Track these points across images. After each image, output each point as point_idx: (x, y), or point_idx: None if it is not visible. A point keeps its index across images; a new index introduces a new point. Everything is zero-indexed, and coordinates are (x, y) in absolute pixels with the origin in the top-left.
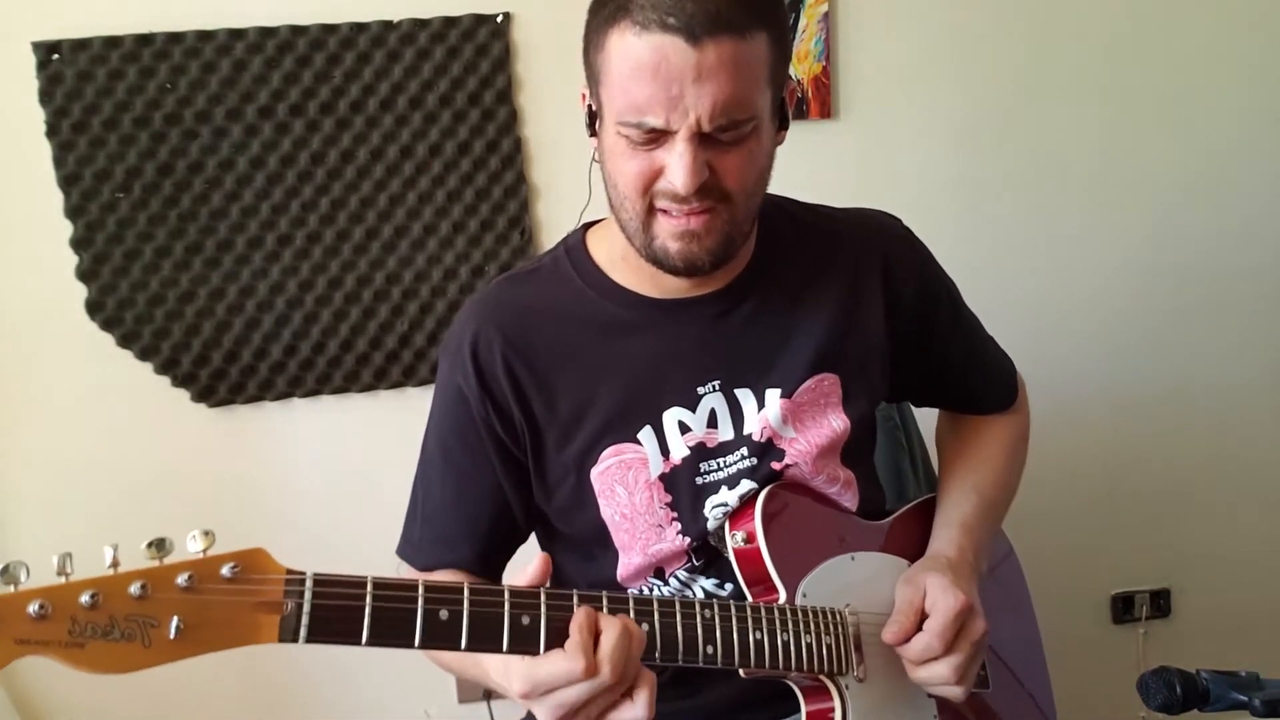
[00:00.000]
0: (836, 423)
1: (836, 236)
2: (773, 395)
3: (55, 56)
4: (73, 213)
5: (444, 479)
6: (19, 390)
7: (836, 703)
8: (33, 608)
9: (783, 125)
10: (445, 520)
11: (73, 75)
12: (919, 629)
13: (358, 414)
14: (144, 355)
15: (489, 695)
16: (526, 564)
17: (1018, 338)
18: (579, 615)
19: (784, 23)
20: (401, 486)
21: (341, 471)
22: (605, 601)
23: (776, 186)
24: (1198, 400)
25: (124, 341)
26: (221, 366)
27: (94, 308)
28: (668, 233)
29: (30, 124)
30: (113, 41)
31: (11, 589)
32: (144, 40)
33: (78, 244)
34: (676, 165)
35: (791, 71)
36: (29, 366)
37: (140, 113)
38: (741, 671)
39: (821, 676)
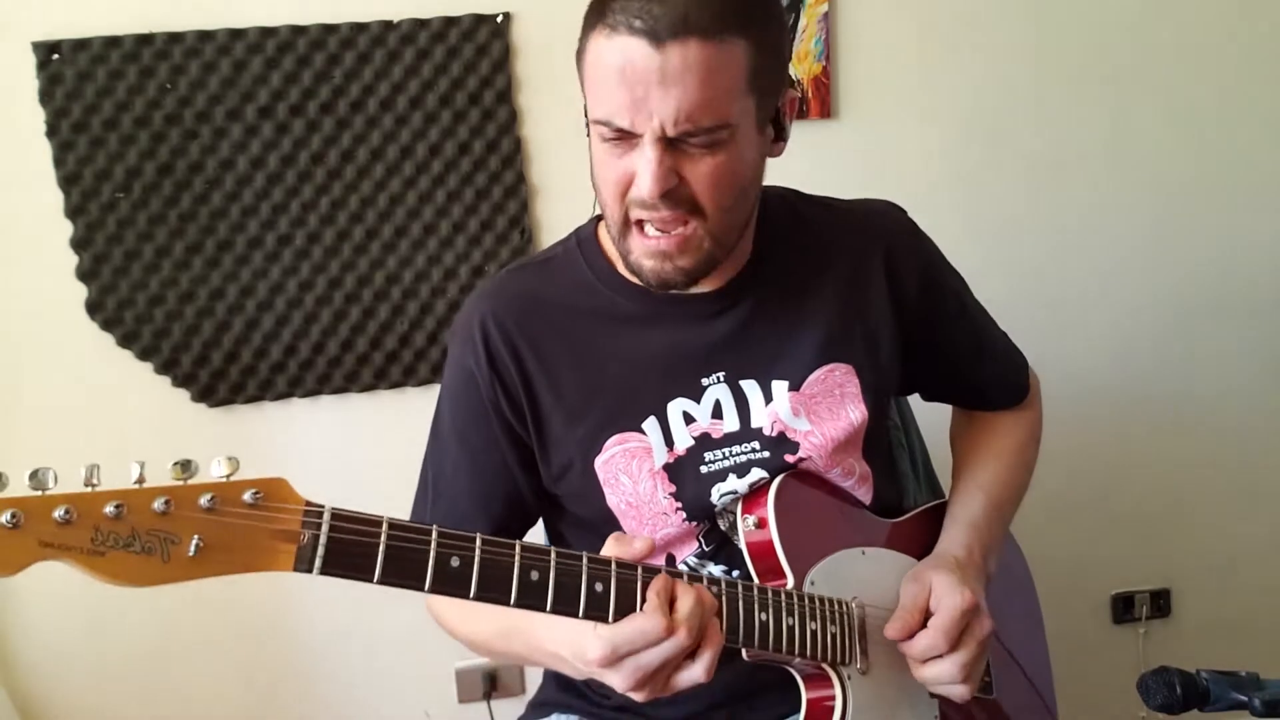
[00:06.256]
0: (854, 414)
1: (837, 226)
2: (780, 388)
3: (55, 56)
4: (73, 213)
5: (457, 459)
6: (19, 390)
7: (837, 691)
8: (59, 512)
9: (780, 136)
10: (457, 499)
11: (73, 75)
12: (923, 626)
13: (358, 414)
14: (144, 355)
15: (489, 695)
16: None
17: (1017, 337)
18: (658, 580)
19: (773, 30)
20: (402, 486)
21: (342, 471)
22: (614, 566)
23: (778, 184)
24: (1199, 400)
25: (124, 341)
26: (221, 366)
27: (94, 308)
28: (642, 251)
29: (30, 124)
30: (113, 41)
31: (39, 494)
32: (144, 40)
33: (78, 244)
34: (643, 169)
35: (792, 72)
36: (29, 366)
37: (140, 113)
38: (744, 653)
39: (824, 665)
